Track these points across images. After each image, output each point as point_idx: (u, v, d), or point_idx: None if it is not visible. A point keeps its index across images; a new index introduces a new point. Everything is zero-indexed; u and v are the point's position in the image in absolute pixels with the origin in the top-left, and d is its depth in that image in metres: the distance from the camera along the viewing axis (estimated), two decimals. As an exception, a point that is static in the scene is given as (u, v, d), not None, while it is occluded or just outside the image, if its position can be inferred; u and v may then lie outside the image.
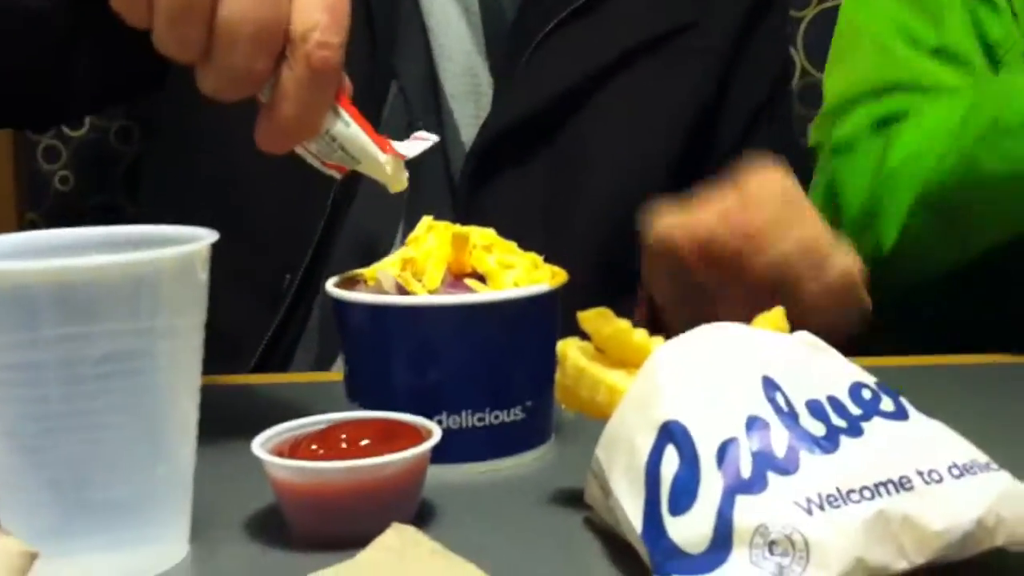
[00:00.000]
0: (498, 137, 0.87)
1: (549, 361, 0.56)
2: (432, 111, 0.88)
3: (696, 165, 0.91)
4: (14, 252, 0.52)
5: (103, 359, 0.47)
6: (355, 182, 0.85)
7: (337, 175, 0.63)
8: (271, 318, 0.87)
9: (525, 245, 0.64)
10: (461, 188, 0.87)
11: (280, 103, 0.58)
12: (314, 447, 0.53)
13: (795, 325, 0.54)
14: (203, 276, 0.51)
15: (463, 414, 0.60)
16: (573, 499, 0.55)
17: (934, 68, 0.94)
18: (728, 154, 0.90)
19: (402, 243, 0.65)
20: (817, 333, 0.52)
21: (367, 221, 0.88)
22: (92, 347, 0.47)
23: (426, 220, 0.63)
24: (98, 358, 0.47)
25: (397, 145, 0.62)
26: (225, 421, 0.56)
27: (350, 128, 0.60)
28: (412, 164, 0.63)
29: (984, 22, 0.94)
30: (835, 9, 1.12)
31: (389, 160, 0.61)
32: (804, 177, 0.93)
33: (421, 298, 0.60)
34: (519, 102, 0.87)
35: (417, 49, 0.89)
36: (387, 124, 0.88)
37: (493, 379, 0.61)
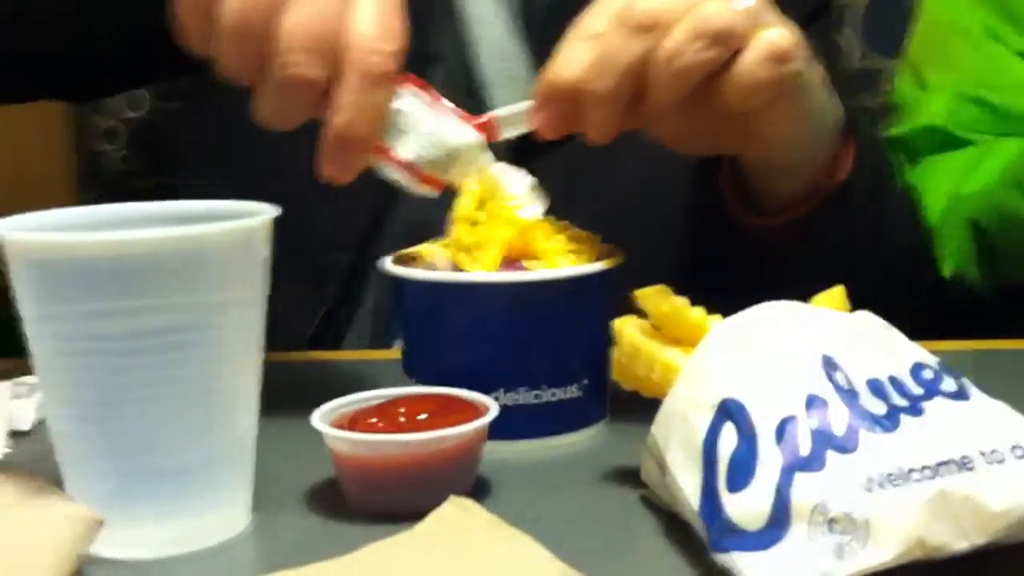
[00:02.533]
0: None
1: (605, 339, 0.56)
2: (470, 97, 0.89)
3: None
4: (77, 226, 0.53)
5: (163, 331, 0.48)
6: None
7: (434, 192, 0.63)
8: (323, 299, 0.88)
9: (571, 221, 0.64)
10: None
11: (335, 115, 0.58)
12: (373, 420, 0.53)
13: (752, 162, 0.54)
14: (264, 251, 0.51)
15: (519, 391, 0.60)
16: (629, 476, 0.55)
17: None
18: None
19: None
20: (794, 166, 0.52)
21: (419, 203, 0.89)
22: (152, 319, 0.48)
23: (471, 193, 0.63)
24: (159, 330, 0.48)
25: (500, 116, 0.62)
26: (286, 395, 0.57)
27: (419, 109, 0.61)
28: None
29: None
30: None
31: (480, 141, 0.62)
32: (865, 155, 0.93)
33: (477, 275, 0.60)
34: None
35: (452, 35, 0.90)
36: None
37: (549, 356, 0.61)
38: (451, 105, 0.63)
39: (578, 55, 0.60)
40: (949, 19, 0.99)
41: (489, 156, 0.64)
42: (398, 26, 0.59)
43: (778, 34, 0.60)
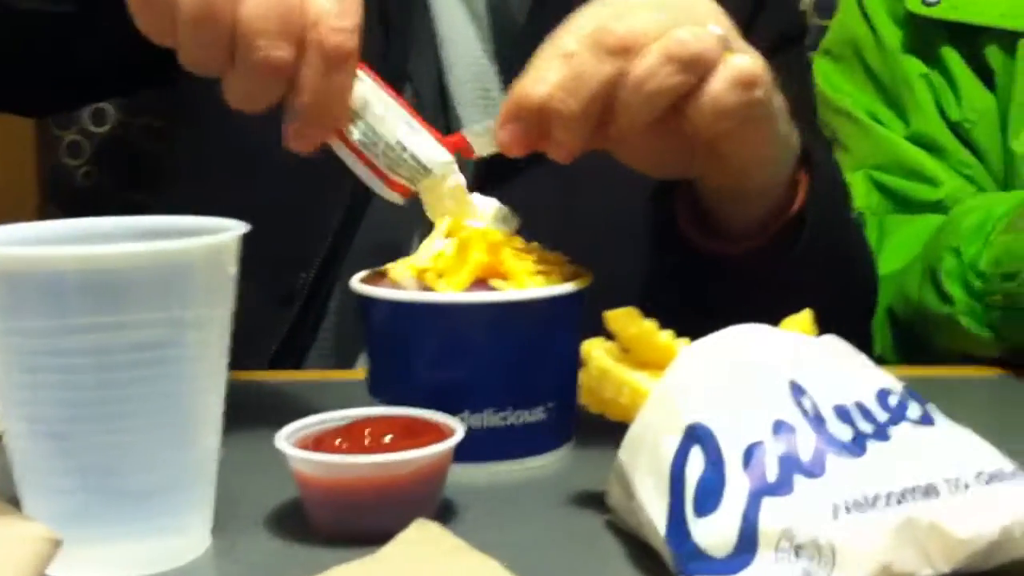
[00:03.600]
0: None
1: (573, 362, 0.56)
2: (442, 118, 0.89)
3: None
4: (44, 240, 0.52)
5: (132, 348, 0.47)
6: None
7: (400, 199, 0.63)
8: (286, 316, 0.87)
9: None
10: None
11: (299, 94, 0.59)
12: (338, 442, 0.53)
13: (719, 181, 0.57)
14: (232, 268, 0.51)
15: (485, 413, 0.60)
16: (594, 500, 0.55)
17: (911, 152, 0.96)
18: None
19: (419, 245, 0.65)
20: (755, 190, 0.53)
21: (385, 221, 0.88)
22: (121, 336, 0.47)
23: (446, 224, 0.63)
24: (127, 346, 0.47)
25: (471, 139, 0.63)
26: (248, 415, 0.56)
27: (385, 116, 0.61)
28: None
29: (944, 102, 0.96)
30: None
31: (451, 161, 0.62)
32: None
33: (446, 295, 0.59)
34: None
35: (428, 55, 0.90)
36: None
37: (516, 379, 0.61)
38: (423, 124, 0.63)
39: (548, 74, 0.61)
40: (837, 104, 1.00)
41: (459, 176, 0.63)
42: (356, 3, 0.60)
43: (745, 60, 0.60)
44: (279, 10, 0.58)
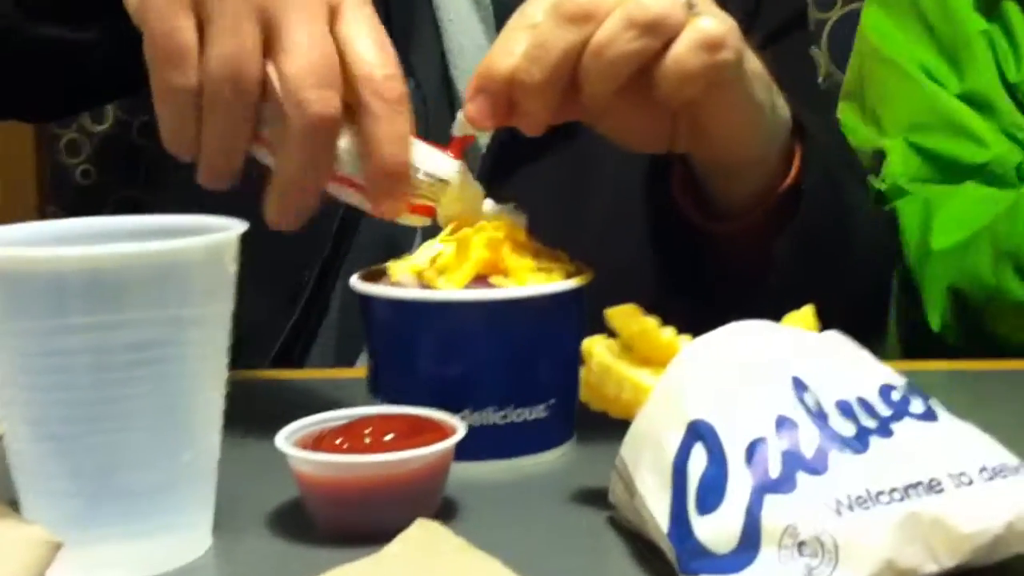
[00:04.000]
0: (512, 136, 0.86)
1: (574, 359, 0.55)
2: (446, 109, 0.88)
3: None
4: (44, 240, 0.52)
5: (131, 347, 0.47)
6: None
7: (427, 220, 0.62)
8: (288, 315, 0.87)
9: (541, 241, 0.64)
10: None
11: (379, 147, 0.58)
12: (338, 441, 0.52)
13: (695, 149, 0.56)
14: (232, 267, 0.50)
15: (486, 410, 0.60)
16: (597, 498, 0.55)
17: (961, 110, 0.93)
18: None
19: (421, 242, 0.64)
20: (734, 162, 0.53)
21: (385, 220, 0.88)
22: (121, 335, 0.47)
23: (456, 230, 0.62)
24: (126, 346, 0.47)
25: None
26: (249, 415, 0.56)
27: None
28: None
29: (1003, 62, 0.93)
30: (859, 12, 1.12)
31: (462, 168, 0.61)
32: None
33: (446, 293, 0.59)
34: None
35: (432, 46, 0.89)
36: None
37: (517, 376, 0.60)
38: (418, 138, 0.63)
39: (513, 45, 0.60)
40: (886, 54, 0.98)
41: (474, 183, 0.63)
42: (391, 48, 0.60)
43: (710, 22, 0.60)
44: (321, 64, 0.57)
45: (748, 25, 0.77)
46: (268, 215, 0.61)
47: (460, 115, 0.63)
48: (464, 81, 0.88)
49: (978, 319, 0.90)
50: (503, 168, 0.86)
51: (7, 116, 0.94)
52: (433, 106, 0.88)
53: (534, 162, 0.87)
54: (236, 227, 0.50)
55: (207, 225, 0.51)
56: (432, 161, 0.61)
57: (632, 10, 0.58)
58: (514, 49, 0.60)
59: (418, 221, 0.62)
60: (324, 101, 0.57)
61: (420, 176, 0.61)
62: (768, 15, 0.91)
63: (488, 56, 0.61)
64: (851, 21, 1.13)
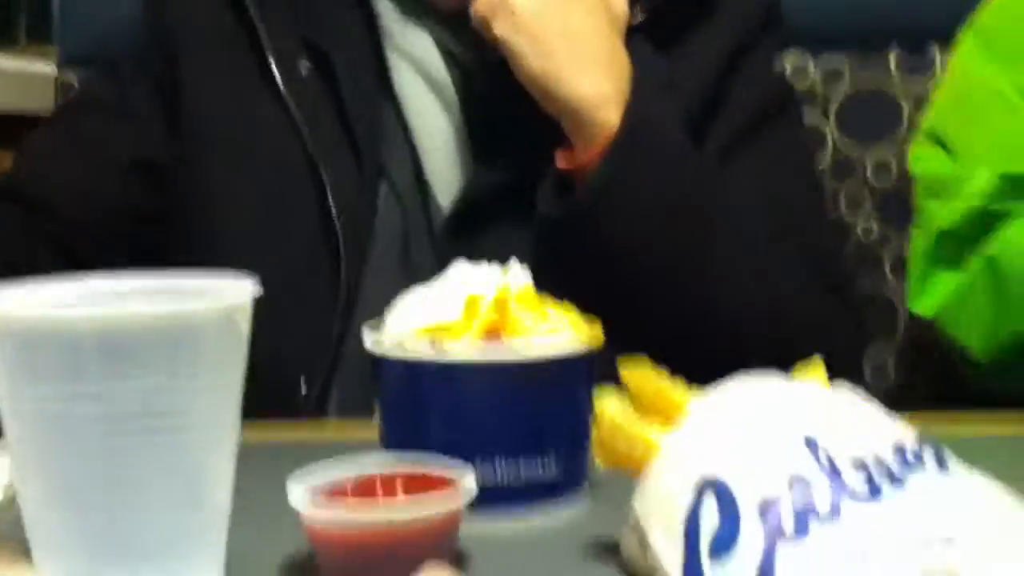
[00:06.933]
0: (478, 196, 0.88)
1: (585, 417, 0.56)
2: (420, 206, 0.91)
3: None
4: (57, 302, 0.51)
5: (142, 414, 0.47)
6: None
7: None
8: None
9: None
10: (440, 247, 0.88)
11: None
12: (349, 496, 0.52)
13: None
14: (246, 326, 0.51)
15: (498, 466, 0.60)
16: (608, 552, 0.54)
17: None
18: None
19: None
20: None
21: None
22: (132, 401, 0.47)
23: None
24: (138, 413, 0.47)
25: None
26: (261, 467, 0.56)
27: None
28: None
29: None
30: (870, 92, 1.14)
31: None
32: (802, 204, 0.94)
33: (458, 356, 0.60)
34: (497, 166, 0.89)
35: (400, 144, 0.92)
36: (382, 221, 0.90)
37: (529, 434, 0.61)
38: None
39: None
40: (979, 81, 0.96)
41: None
42: None
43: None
44: None
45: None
46: None
47: None
48: (437, 180, 0.90)
49: None
50: (466, 226, 0.87)
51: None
52: (409, 200, 0.90)
53: (500, 225, 0.88)
54: (247, 286, 0.51)
55: (218, 286, 0.51)
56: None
57: None
58: None
59: None
60: None
61: None
62: (741, 101, 0.93)
63: None
64: (862, 99, 1.15)
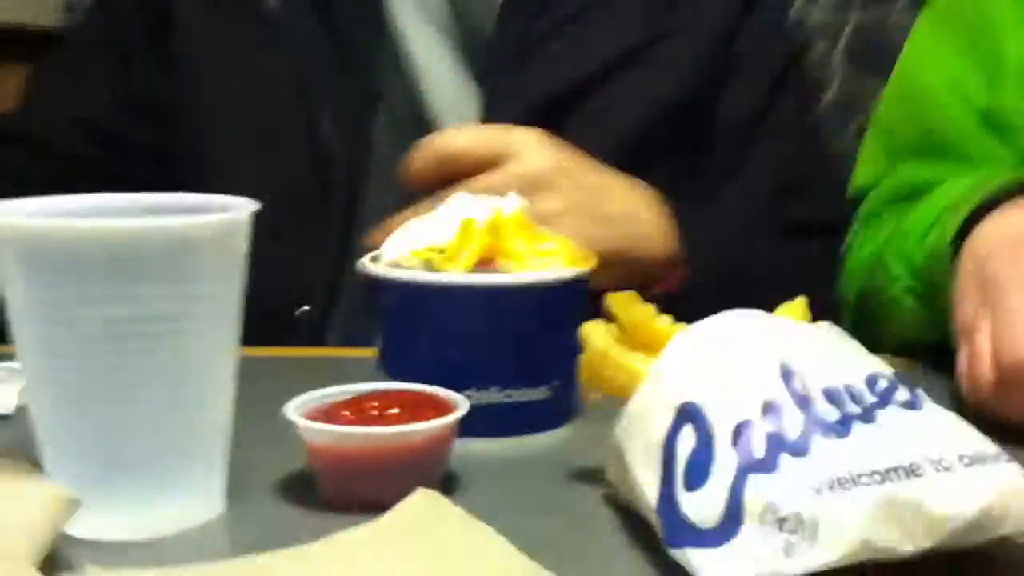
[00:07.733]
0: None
1: (575, 343, 0.57)
2: (419, 128, 0.91)
3: (686, 176, 0.93)
4: (60, 214, 0.53)
5: (146, 319, 0.49)
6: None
7: None
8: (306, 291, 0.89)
9: None
10: None
11: None
12: (345, 413, 0.55)
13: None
14: (243, 245, 0.52)
15: (490, 390, 0.62)
16: (593, 476, 0.57)
17: (979, 135, 0.90)
18: (725, 169, 0.93)
19: None
20: None
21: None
22: (136, 307, 0.49)
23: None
24: (140, 318, 0.49)
25: None
26: (261, 389, 0.58)
27: None
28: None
29: None
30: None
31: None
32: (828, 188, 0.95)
33: (453, 277, 0.61)
34: (504, 115, 0.89)
35: (397, 71, 0.93)
36: (377, 145, 0.91)
37: (520, 358, 0.63)
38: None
39: None
40: (913, 68, 0.95)
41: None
42: None
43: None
44: None
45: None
46: None
47: None
48: (436, 101, 0.91)
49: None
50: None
51: None
52: (407, 127, 0.91)
53: None
54: (247, 206, 0.53)
55: (219, 204, 0.53)
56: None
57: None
58: None
59: None
60: None
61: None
62: (750, 80, 0.95)
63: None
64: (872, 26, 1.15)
